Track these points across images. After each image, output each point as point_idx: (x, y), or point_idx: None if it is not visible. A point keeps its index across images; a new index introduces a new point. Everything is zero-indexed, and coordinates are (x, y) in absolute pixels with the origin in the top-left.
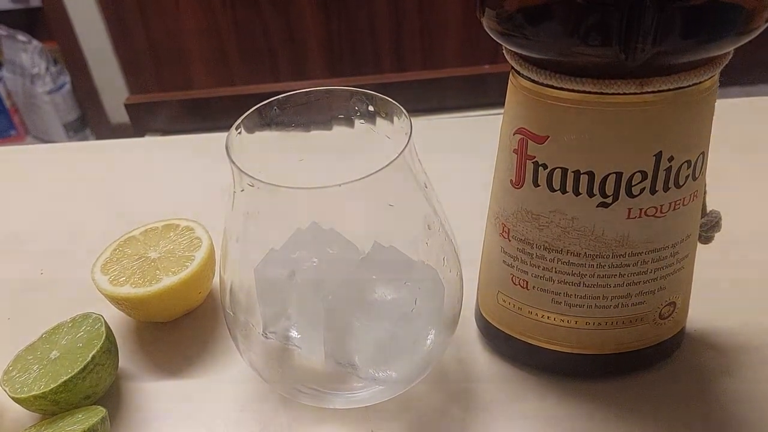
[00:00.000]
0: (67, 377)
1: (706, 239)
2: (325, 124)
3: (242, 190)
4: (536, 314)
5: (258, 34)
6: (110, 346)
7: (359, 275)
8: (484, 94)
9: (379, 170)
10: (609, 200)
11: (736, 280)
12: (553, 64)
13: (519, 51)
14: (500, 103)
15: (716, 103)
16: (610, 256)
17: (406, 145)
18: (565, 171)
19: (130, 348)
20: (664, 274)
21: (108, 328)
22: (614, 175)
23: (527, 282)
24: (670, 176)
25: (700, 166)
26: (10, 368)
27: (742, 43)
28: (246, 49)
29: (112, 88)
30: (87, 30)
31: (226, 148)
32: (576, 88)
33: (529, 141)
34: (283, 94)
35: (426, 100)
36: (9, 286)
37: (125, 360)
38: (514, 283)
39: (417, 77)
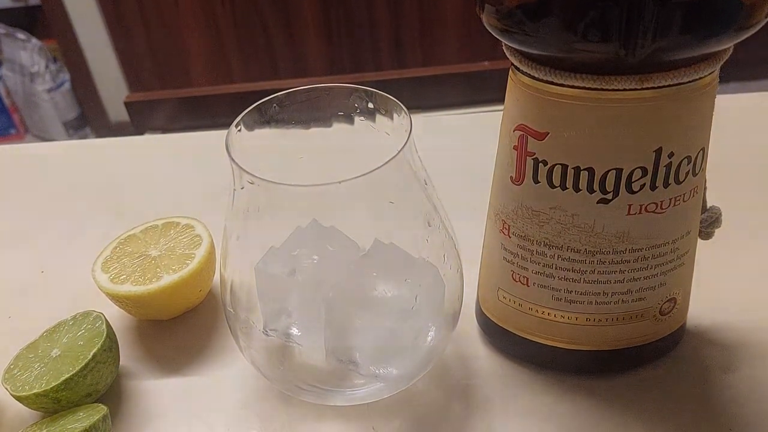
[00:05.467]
0: (69, 375)
1: (707, 235)
2: (325, 121)
3: (242, 188)
4: (537, 311)
5: (257, 32)
6: (111, 344)
7: (360, 272)
8: (483, 90)
9: (379, 167)
10: (609, 196)
11: (736, 276)
12: (553, 61)
13: (518, 47)
14: (500, 100)
15: (716, 99)
16: (611, 253)
17: (406, 142)
18: (565, 167)
19: (131, 346)
20: (665, 270)
21: (109, 326)
22: (614, 171)
23: (527, 278)
24: (670, 172)
25: (701, 162)
26: (12, 366)
27: (742, 38)
28: (245, 47)
29: (112, 86)
30: (86, 28)
31: (226, 145)
32: (576, 85)
33: (529, 137)
34: (282, 91)
35: (426, 97)
36: (10, 284)
37: (126, 358)
38: (515, 280)
39: (417, 74)
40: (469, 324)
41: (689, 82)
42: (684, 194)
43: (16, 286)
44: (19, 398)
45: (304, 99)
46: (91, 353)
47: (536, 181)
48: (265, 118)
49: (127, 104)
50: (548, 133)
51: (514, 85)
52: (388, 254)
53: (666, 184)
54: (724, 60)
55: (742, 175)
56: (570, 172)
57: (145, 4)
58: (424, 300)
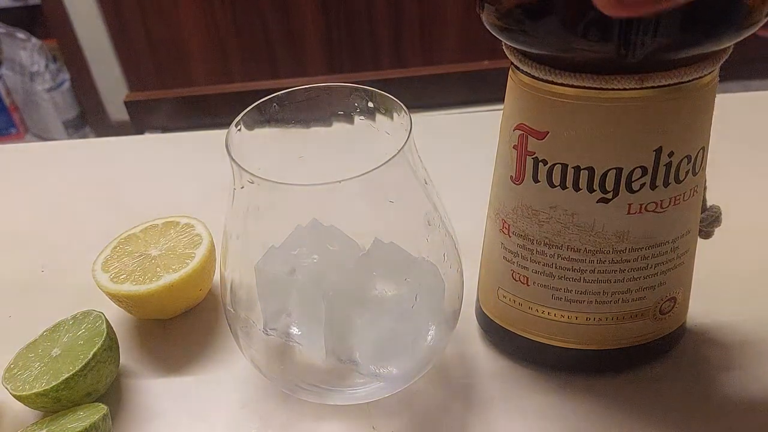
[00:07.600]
0: (69, 374)
1: (707, 234)
2: (325, 120)
3: (242, 187)
4: (537, 310)
5: (257, 31)
6: (111, 343)
7: (360, 272)
8: (483, 89)
9: (379, 167)
10: (609, 196)
11: (736, 275)
12: (553, 60)
13: (518, 47)
14: (500, 99)
15: (716, 98)
16: (611, 252)
17: (406, 142)
18: (565, 167)
19: (131, 345)
20: (665, 269)
21: (109, 325)
22: (614, 170)
23: (528, 278)
24: (670, 171)
25: (700, 162)
26: (12, 366)
27: (742, 37)
28: (245, 46)
29: (112, 85)
30: (86, 27)
31: (226, 145)
32: (576, 84)
33: (529, 137)
34: (282, 90)
35: (425, 96)
36: (10, 284)
37: (126, 357)
38: (515, 279)
39: (416, 73)
40: (469, 323)
41: (689, 81)
42: (684, 193)
43: (17, 285)
44: (19, 398)
45: (304, 98)
46: (92, 352)
47: (536, 181)
48: (265, 118)
49: (127, 103)
50: (548, 133)
51: (514, 84)
52: (388, 253)
53: (666, 184)
54: (724, 59)
55: (742, 175)
56: (570, 172)
57: (144, 3)
58: (424, 299)
